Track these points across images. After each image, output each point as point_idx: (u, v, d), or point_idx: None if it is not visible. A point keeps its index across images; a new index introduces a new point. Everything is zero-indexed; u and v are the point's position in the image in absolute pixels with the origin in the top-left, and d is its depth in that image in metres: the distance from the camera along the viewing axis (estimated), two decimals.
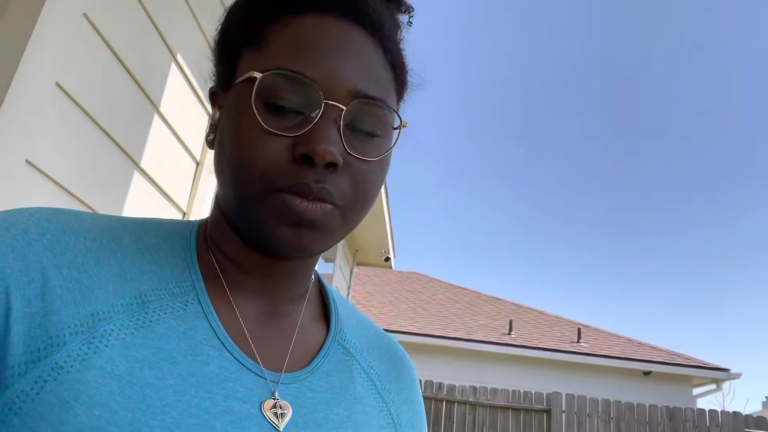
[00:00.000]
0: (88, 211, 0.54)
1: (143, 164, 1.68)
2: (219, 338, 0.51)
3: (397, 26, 0.59)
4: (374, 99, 0.51)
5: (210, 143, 0.58)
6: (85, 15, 1.33)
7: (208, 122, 0.59)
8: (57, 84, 1.27)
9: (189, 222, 0.60)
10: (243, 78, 0.51)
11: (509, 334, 11.28)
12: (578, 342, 11.09)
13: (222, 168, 0.53)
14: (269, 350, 0.55)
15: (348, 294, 6.69)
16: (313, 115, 0.49)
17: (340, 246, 5.91)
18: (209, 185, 2.12)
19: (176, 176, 1.92)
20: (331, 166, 0.49)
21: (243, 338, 0.54)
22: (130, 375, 0.45)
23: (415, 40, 0.63)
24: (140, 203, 1.69)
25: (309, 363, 0.57)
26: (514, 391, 7.98)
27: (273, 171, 0.49)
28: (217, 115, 0.57)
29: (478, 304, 13.48)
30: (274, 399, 0.51)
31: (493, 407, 7.86)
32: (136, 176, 1.66)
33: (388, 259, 6.93)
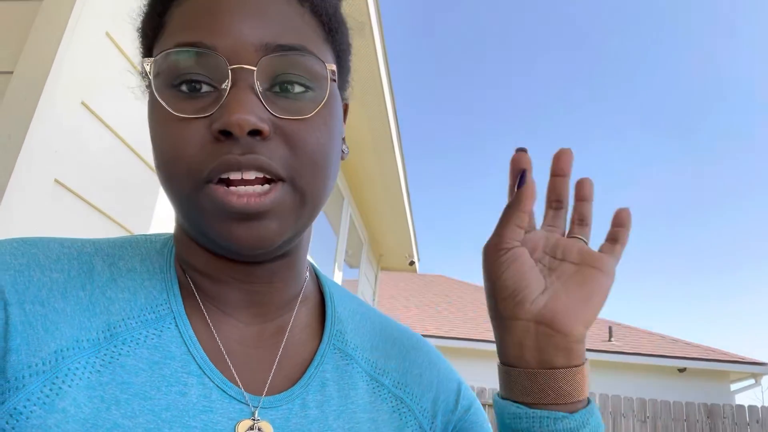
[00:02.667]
0: (61, 237, 0.52)
1: None
2: (198, 363, 0.47)
3: None
4: (288, 47, 0.45)
5: None
6: (107, 34, 1.35)
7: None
8: (83, 103, 1.29)
9: (170, 237, 0.56)
10: (147, 71, 0.46)
11: None
12: (610, 341, 10.90)
13: (158, 176, 0.48)
14: (255, 371, 0.51)
15: (374, 299, 6.69)
16: (224, 86, 0.43)
17: (364, 252, 5.91)
18: None
19: None
20: (257, 134, 0.43)
21: (224, 361, 0.50)
22: (96, 417, 0.42)
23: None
24: (169, 218, 1.70)
25: (300, 378, 0.52)
26: None
27: (198, 160, 0.43)
28: None
29: None
30: (252, 419, 0.47)
31: None
32: (162, 192, 1.68)
33: (412, 263, 6.91)
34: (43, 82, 1.18)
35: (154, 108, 0.45)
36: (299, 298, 0.57)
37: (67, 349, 0.43)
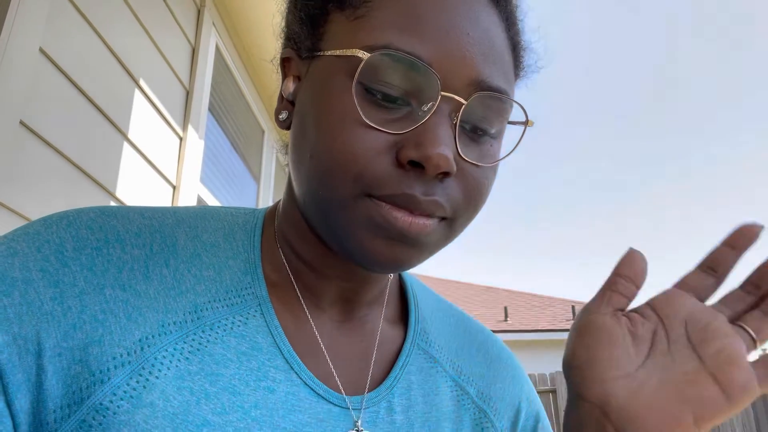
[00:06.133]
0: (140, 206, 0.47)
1: (119, 194, 1.66)
2: (285, 357, 0.44)
3: None
4: (498, 91, 0.41)
5: (283, 123, 0.47)
6: (41, 50, 1.31)
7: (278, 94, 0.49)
8: (21, 122, 1.25)
9: (253, 212, 0.51)
10: (339, 53, 0.41)
11: (506, 320, 11.34)
12: (574, 319, 11.20)
13: (302, 159, 0.43)
14: (346, 368, 0.47)
15: None
16: (425, 109, 0.39)
17: None
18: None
19: (154, 203, 1.90)
20: (443, 174, 0.39)
21: (314, 356, 0.46)
22: (185, 412, 0.39)
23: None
24: None
25: (385, 378, 0.49)
26: None
27: (371, 175, 0.39)
28: (292, 87, 0.46)
29: (471, 296, 13.54)
30: (356, 430, 0.44)
31: None
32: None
33: None
34: None
35: (336, 98, 0.40)
36: (386, 293, 0.53)
37: (153, 336, 0.40)
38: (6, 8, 1.20)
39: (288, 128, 0.47)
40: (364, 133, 0.39)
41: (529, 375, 8.03)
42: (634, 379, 0.40)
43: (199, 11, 2.25)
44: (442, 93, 0.39)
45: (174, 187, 2.04)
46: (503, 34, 0.43)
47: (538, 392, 7.79)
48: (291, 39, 0.47)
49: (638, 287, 0.44)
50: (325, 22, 0.43)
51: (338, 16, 0.42)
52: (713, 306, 0.43)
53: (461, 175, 0.41)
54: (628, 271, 0.44)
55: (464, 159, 0.41)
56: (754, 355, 0.40)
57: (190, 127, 2.11)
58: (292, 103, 0.46)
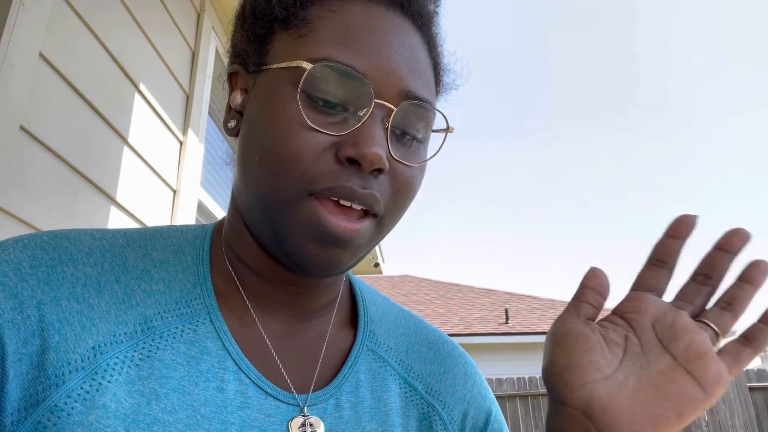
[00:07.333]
0: (92, 229, 0.51)
1: (119, 198, 1.66)
2: (234, 359, 0.47)
3: (437, 19, 0.54)
4: (423, 100, 0.47)
5: (232, 131, 0.52)
6: (41, 55, 1.31)
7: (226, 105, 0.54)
8: (21, 127, 1.25)
9: (203, 227, 0.56)
10: (284, 65, 0.46)
11: (506, 322, 11.33)
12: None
13: (251, 162, 0.47)
14: (294, 368, 0.50)
15: None
16: (361, 114, 0.45)
17: None
18: (188, 214, 2.10)
19: (154, 207, 1.90)
20: (377, 171, 0.45)
21: (262, 357, 0.49)
22: (136, 413, 0.42)
23: None
24: None
25: (334, 377, 0.52)
26: (519, 379, 8.02)
27: (314, 171, 0.44)
28: (240, 98, 0.51)
29: (472, 298, 13.53)
30: (303, 416, 0.47)
31: (500, 397, 7.88)
32: (114, 211, 1.64)
33: (377, 264, 6.92)
34: None
35: (282, 105, 0.45)
36: (337, 301, 0.57)
37: (105, 345, 0.43)
38: (6, 13, 1.21)
39: (236, 135, 0.51)
40: (308, 135, 0.44)
41: (530, 378, 8.00)
42: (613, 382, 0.43)
43: (198, 15, 2.26)
44: (376, 100, 0.45)
45: (174, 192, 2.04)
46: (426, 54, 0.50)
47: (539, 395, 7.79)
48: (238, 56, 0.52)
49: (604, 298, 0.47)
50: (271, 40, 0.49)
51: (283, 34, 0.48)
52: (673, 303, 0.46)
53: (392, 173, 0.47)
54: (594, 283, 0.47)
55: (395, 158, 0.47)
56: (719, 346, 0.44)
57: (190, 132, 2.11)
58: (240, 113, 0.51)
